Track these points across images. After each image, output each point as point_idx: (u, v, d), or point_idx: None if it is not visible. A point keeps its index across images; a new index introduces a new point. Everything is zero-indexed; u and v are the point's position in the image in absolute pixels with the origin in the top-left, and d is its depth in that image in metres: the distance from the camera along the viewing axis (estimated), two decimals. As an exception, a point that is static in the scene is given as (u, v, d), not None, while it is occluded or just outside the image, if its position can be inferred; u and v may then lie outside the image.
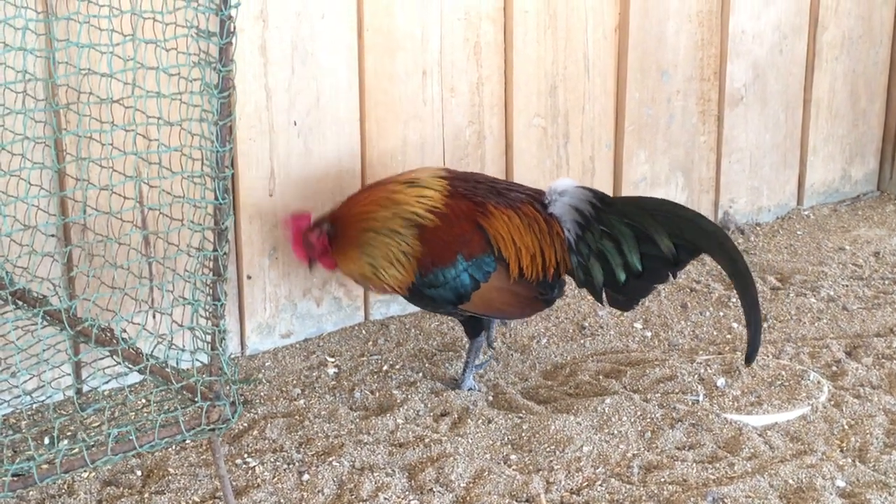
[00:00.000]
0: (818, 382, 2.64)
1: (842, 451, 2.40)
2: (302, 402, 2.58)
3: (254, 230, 2.71)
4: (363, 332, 2.89)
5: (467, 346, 2.67)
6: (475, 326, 2.62)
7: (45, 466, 1.64)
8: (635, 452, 2.39)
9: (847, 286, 3.12)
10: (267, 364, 2.75)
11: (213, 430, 1.77)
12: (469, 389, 2.62)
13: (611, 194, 2.92)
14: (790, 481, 2.29)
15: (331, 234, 2.52)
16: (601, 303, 2.58)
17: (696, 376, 2.66)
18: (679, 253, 2.47)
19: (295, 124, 2.70)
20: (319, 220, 2.55)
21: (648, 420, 2.49)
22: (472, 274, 2.49)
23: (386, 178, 2.61)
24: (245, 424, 2.48)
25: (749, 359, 2.45)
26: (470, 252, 2.48)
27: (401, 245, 2.47)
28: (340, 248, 2.52)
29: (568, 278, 2.59)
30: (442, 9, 2.83)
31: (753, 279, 2.44)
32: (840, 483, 2.29)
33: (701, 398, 2.58)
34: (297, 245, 2.54)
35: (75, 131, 2.05)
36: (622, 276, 2.49)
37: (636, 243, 2.48)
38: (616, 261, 2.49)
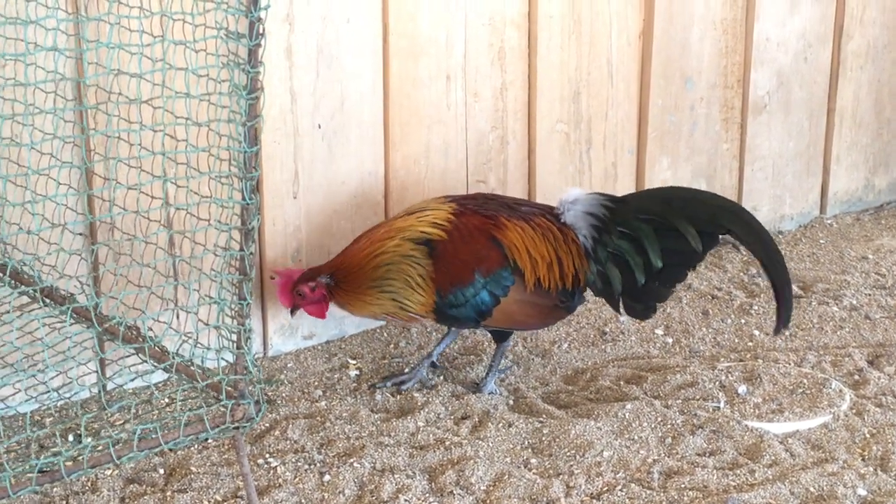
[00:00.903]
0: (840, 391, 2.64)
1: (863, 459, 2.40)
2: (323, 403, 2.59)
3: (277, 232, 2.72)
4: (385, 334, 2.90)
5: (494, 349, 2.68)
6: (503, 332, 2.63)
7: (71, 462, 1.66)
8: (656, 458, 2.39)
9: (870, 295, 3.11)
10: (289, 365, 2.76)
11: (237, 428, 1.78)
12: (490, 393, 2.63)
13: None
14: (811, 489, 2.28)
15: (330, 286, 2.53)
16: (619, 312, 2.59)
17: (717, 383, 2.66)
18: (703, 239, 2.47)
19: (319, 127, 2.71)
20: (314, 272, 2.55)
21: (669, 426, 2.49)
22: (491, 290, 2.49)
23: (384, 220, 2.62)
24: (267, 425, 2.49)
25: (787, 322, 2.47)
26: (487, 268, 2.49)
27: (415, 267, 2.48)
28: (353, 295, 2.52)
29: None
30: (466, 14, 2.84)
31: (777, 245, 2.48)
32: (861, 491, 2.29)
33: (722, 405, 2.58)
34: (284, 292, 2.55)
35: (104, 131, 2.07)
36: (641, 278, 2.50)
37: (656, 238, 2.49)
38: (636, 261, 2.50)
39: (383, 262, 2.49)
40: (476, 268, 2.48)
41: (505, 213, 2.54)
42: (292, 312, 2.62)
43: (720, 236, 2.53)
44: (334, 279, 2.53)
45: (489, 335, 2.83)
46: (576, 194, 2.58)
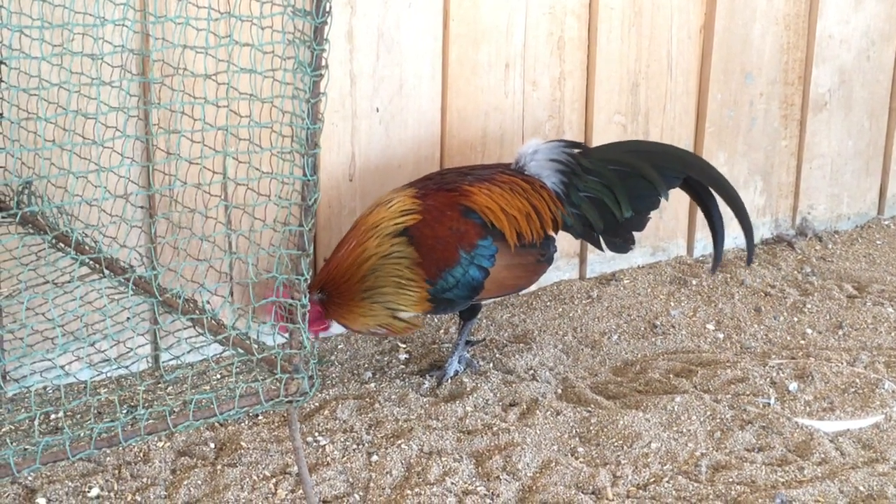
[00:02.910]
0: (893, 391, 2.61)
1: (915, 461, 2.37)
2: (373, 385, 2.61)
3: (332, 214, 2.74)
4: (435, 319, 2.91)
5: (460, 327, 2.64)
6: (472, 308, 2.62)
7: (128, 428, 1.69)
8: (704, 451, 2.38)
9: (926, 297, 3.08)
10: (340, 347, 2.78)
11: (290, 402, 1.80)
12: (455, 372, 2.61)
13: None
14: (861, 488, 2.26)
15: (324, 301, 2.45)
16: (601, 249, 2.62)
17: (767, 379, 2.64)
18: (666, 181, 2.57)
19: (377, 111, 2.73)
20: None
21: (718, 420, 2.48)
22: (478, 264, 2.48)
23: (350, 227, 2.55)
24: (317, 404, 2.52)
25: (750, 260, 2.72)
26: (469, 243, 2.46)
27: (401, 262, 2.44)
28: (346, 307, 2.45)
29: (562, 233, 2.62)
30: (527, 2, 2.84)
31: (736, 191, 2.65)
32: (912, 493, 2.26)
33: (772, 401, 2.57)
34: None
35: (167, 104, 2.10)
36: (621, 216, 2.55)
37: (623, 182, 2.55)
38: (611, 198, 2.54)
39: (369, 270, 2.43)
40: (458, 245, 2.46)
41: (465, 180, 2.52)
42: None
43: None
44: (326, 293, 2.46)
45: (528, 321, 2.84)
46: (535, 145, 2.59)
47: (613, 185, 2.56)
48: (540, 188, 2.53)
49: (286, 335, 1.82)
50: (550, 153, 2.58)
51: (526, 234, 2.50)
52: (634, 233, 2.63)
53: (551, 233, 2.56)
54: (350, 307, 2.46)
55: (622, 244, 2.63)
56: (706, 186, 2.64)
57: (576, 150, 2.60)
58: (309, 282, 1.79)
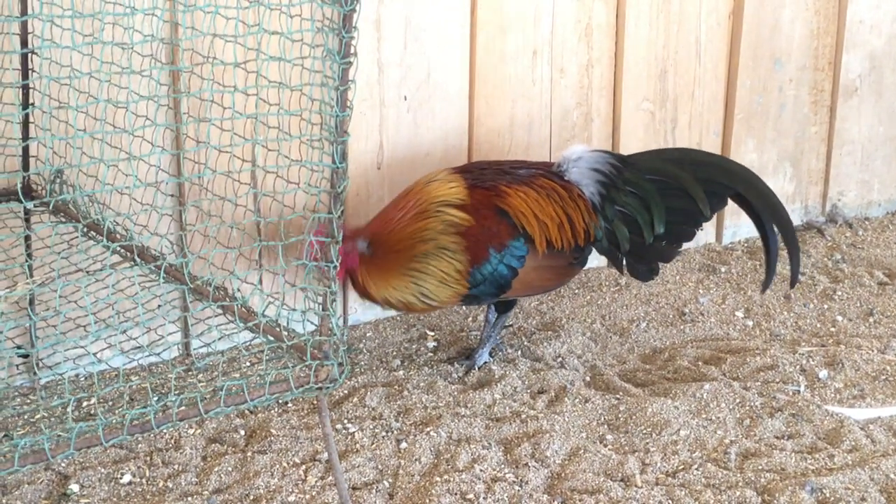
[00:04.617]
0: (924, 379, 2.59)
1: (947, 448, 2.36)
2: (401, 372, 2.62)
3: (360, 202, 2.75)
4: (464, 307, 2.92)
5: (491, 319, 2.64)
6: (507, 302, 2.62)
7: (160, 414, 1.70)
8: (733, 439, 2.37)
9: (958, 285, 3.05)
10: (368, 335, 2.79)
11: (320, 388, 1.81)
12: (484, 363, 2.62)
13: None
14: (892, 476, 2.25)
15: (364, 256, 2.43)
16: (621, 272, 2.59)
17: (797, 367, 2.63)
18: (711, 201, 2.50)
19: (405, 99, 2.73)
20: (355, 232, 2.44)
21: (747, 408, 2.47)
22: (507, 264, 2.47)
23: (405, 189, 2.52)
24: (345, 392, 2.53)
25: (794, 283, 2.63)
26: (500, 243, 2.46)
27: (452, 263, 2.44)
28: (382, 275, 2.44)
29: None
30: (555, -11, 2.84)
31: (787, 212, 2.56)
32: (944, 480, 2.25)
33: (802, 389, 2.56)
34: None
35: (197, 92, 2.11)
36: (650, 237, 2.50)
37: (662, 200, 2.50)
38: (645, 218, 2.50)
39: (423, 253, 2.44)
40: (489, 245, 2.46)
41: (503, 180, 2.50)
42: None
43: (728, 198, 2.56)
44: (371, 249, 2.45)
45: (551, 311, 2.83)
46: (579, 151, 2.56)
47: (651, 202, 2.50)
48: (577, 197, 2.51)
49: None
50: (594, 162, 2.54)
51: (556, 243, 2.49)
52: (661, 263, 2.59)
53: (582, 243, 2.52)
54: (387, 276, 2.44)
55: (646, 272, 2.58)
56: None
57: (620, 163, 2.54)
58: (338, 265, 1.79)
